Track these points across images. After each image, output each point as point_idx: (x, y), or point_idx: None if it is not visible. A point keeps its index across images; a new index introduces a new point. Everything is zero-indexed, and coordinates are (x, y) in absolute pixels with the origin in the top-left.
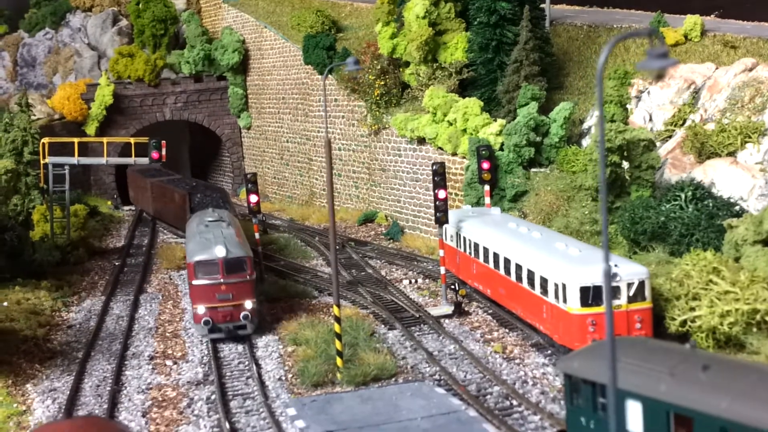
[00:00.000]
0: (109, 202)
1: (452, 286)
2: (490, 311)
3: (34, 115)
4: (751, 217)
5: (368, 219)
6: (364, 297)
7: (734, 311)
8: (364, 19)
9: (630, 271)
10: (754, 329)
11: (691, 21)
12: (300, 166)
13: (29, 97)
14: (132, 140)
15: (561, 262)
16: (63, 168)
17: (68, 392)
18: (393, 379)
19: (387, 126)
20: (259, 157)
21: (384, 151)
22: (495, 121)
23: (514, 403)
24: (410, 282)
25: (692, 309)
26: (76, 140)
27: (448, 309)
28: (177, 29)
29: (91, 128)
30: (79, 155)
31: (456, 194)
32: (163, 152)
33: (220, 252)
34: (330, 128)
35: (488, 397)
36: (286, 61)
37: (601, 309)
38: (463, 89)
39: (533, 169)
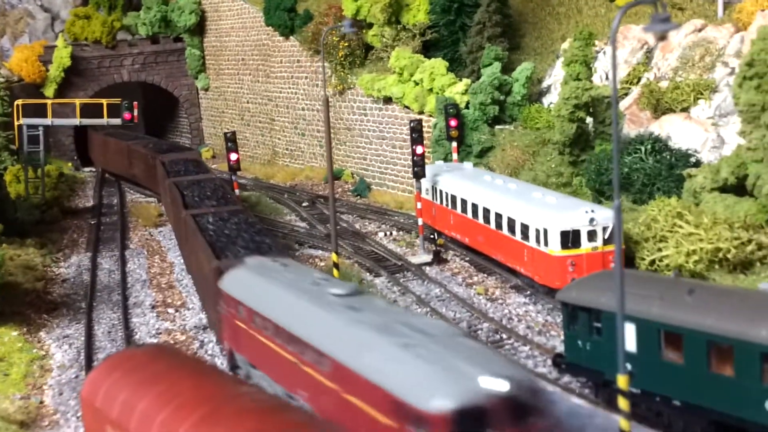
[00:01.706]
0: (70, 164)
1: (431, 236)
2: (467, 258)
3: (2, 77)
4: (708, 166)
5: (334, 177)
6: (345, 248)
7: (699, 250)
8: None
9: (605, 215)
10: (716, 266)
11: None
12: (261, 126)
13: None
14: (104, 101)
15: (541, 210)
16: (37, 129)
17: (82, 338)
18: None
19: (352, 86)
20: (218, 117)
21: (349, 111)
22: (460, 80)
23: (504, 336)
24: (385, 234)
25: (659, 250)
26: (49, 102)
27: (427, 257)
28: None
29: (49, 90)
30: (41, 117)
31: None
32: (135, 113)
33: (500, 385)
34: (293, 89)
35: (479, 332)
36: (245, 22)
37: (578, 251)
38: (426, 50)
39: (498, 126)
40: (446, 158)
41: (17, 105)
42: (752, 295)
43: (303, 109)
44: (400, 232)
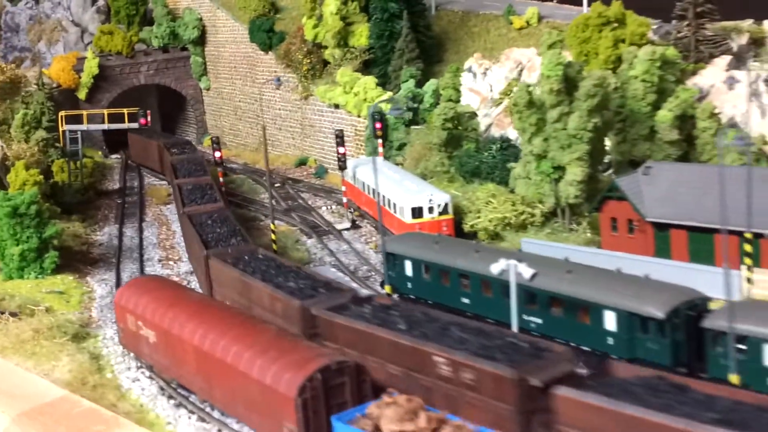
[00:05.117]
0: (100, 152)
1: (351, 210)
2: (374, 225)
3: (47, 88)
4: (522, 161)
5: (302, 162)
6: (294, 219)
7: (495, 218)
8: (298, 0)
9: (440, 197)
10: (507, 228)
11: (531, 11)
12: (250, 121)
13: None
14: (125, 111)
15: (402, 193)
16: (76, 133)
17: (114, 280)
18: (309, 264)
19: (313, 93)
20: (218, 112)
21: (312, 112)
22: (386, 93)
23: (373, 273)
24: (327, 208)
25: (478, 218)
26: (84, 112)
27: (348, 224)
28: (146, 9)
29: (82, 93)
30: (69, 122)
31: (360, 145)
32: (149, 119)
33: None
34: (272, 93)
35: (359, 271)
36: (235, 37)
37: (422, 220)
38: (367, 66)
39: (413, 127)
40: (374, 151)
41: (61, 116)
42: (465, 243)
43: (280, 109)
44: (339, 207)
